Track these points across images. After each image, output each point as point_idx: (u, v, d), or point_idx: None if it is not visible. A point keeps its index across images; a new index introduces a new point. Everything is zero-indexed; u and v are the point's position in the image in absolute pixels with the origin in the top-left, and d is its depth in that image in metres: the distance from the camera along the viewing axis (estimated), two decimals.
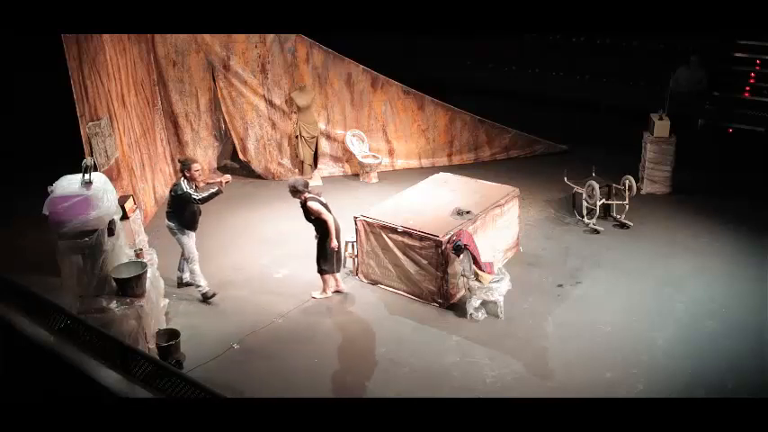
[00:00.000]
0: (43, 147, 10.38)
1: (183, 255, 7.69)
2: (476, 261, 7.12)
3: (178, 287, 7.88)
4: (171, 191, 7.46)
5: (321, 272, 7.53)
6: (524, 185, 9.60)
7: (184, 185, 7.26)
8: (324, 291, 7.67)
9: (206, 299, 7.61)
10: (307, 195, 7.33)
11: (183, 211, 7.37)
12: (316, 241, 7.47)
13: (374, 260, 7.84)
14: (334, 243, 7.28)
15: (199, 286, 7.61)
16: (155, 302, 6.78)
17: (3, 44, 9.69)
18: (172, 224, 7.46)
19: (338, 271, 7.63)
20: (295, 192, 7.37)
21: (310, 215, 7.34)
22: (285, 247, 8.91)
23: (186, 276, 7.83)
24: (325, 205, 7.39)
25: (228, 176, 7.66)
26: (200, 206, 7.45)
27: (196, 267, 7.58)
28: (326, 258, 7.41)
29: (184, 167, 7.40)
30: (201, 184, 7.47)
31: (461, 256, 7.09)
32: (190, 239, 7.52)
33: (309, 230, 9.30)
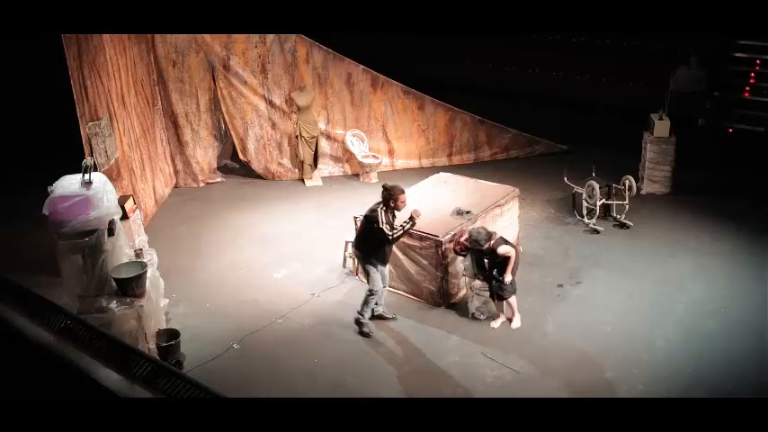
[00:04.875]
0: (43, 147, 10.39)
1: (375, 277, 6.90)
2: None
3: (371, 318, 7.13)
4: (366, 216, 6.69)
5: (507, 295, 6.97)
6: (524, 185, 9.60)
7: (381, 216, 6.53)
8: (514, 314, 7.10)
9: (361, 331, 6.96)
10: (492, 243, 6.71)
11: (372, 241, 6.70)
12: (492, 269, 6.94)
13: None
14: (509, 278, 6.78)
15: (361, 315, 6.95)
16: (155, 302, 6.77)
17: (3, 44, 9.70)
18: (359, 252, 6.90)
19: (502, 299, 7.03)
20: (477, 243, 6.72)
21: (496, 258, 6.77)
22: (285, 247, 8.91)
23: (380, 309, 7.13)
24: (504, 239, 6.88)
25: (419, 211, 6.78)
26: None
27: (372, 299, 6.88)
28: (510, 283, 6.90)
29: (390, 196, 6.59)
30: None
31: (466, 255, 7.10)
32: (376, 271, 6.83)
33: (309, 231, 9.36)
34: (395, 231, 6.60)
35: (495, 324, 7.10)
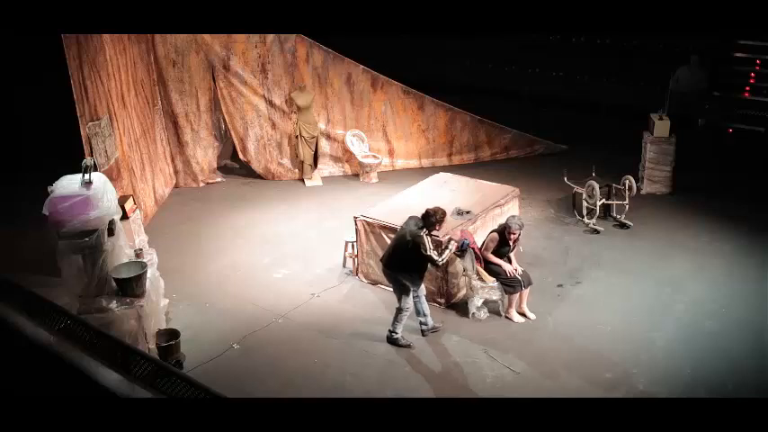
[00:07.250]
0: (43, 147, 10.38)
1: (409, 295, 6.78)
2: (478, 260, 7.14)
3: (422, 335, 6.95)
4: (408, 243, 6.48)
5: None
6: (524, 185, 9.61)
7: (428, 242, 6.45)
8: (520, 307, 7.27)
9: (400, 346, 6.79)
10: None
11: (416, 265, 6.60)
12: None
13: (374, 260, 7.84)
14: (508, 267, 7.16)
15: (395, 333, 6.80)
16: (155, 302, 6.77)
17: (3, 44, 9.69)
18: (400, 278, 6.65)
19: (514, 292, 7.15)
20: (521, 227, 7.07)
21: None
22: (285, 247, 8.91)
23: (431, 321, 6.97)
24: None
25: (452, 240, 6.81)
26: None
27: (403, 317, 6.76)
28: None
29: (437, 221, 6.53)
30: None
31: (465, 255, 7.11)
32: (416, 292, 6.77)
33: (308, 231, 9.37)
34: (442, 257, 6.55)
35: (518, 319, 7.17)
